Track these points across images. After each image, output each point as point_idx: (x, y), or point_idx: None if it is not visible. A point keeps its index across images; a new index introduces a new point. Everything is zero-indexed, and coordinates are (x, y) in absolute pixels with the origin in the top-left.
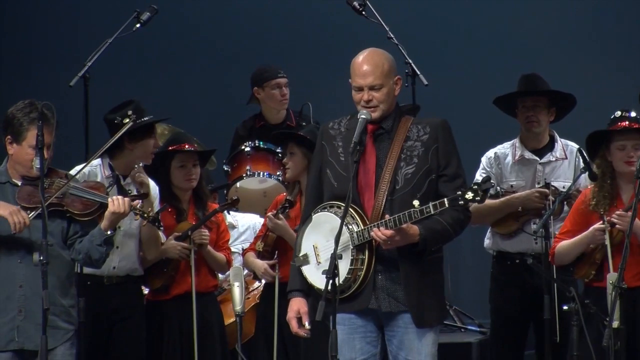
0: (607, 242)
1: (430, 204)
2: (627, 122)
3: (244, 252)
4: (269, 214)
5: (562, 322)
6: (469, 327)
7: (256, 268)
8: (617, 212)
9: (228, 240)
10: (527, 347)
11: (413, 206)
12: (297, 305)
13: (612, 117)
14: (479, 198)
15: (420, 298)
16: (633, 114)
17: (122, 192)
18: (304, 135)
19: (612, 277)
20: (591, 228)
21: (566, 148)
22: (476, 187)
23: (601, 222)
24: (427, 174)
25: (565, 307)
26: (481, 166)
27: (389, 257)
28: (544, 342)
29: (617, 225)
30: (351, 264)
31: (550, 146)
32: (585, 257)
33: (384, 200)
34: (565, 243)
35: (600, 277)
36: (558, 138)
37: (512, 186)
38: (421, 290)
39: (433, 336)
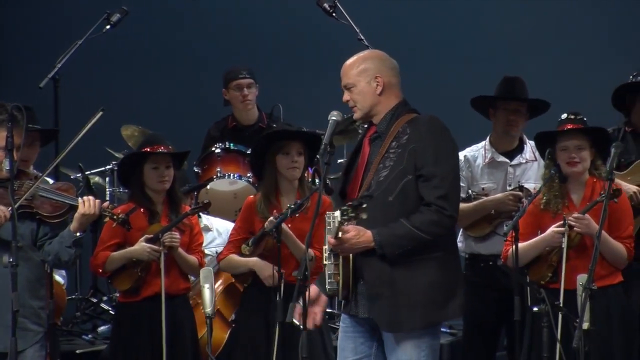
0: (565, 245)
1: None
2: (570, 124)
3: (222, 256)
4: (272, 217)
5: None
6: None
7: (260, 270)
8: (575, 215)
9: (201, 243)
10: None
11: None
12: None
13: (559, 119)
14: (346, 217)
15: (391, 303)
16: (579, 116)
17: (91, 192)
18: (311, 134)
19: (582, 278)
20: (550, 230)
21: (535, 150)
22: (350, 207)
23: (558, 224)
24: (402, 175)
25: (535, 309)
26: None
27: (368, 263)
28: (515, 343)
29: (575, 228)
30: (329, 269)
31: (519, 148)
32: (541, 259)
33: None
34: (521, 245)
35: (555, 279)
36: (527, 140)
37: (483, 189)
38: (395, 294)
39: (415, 341)
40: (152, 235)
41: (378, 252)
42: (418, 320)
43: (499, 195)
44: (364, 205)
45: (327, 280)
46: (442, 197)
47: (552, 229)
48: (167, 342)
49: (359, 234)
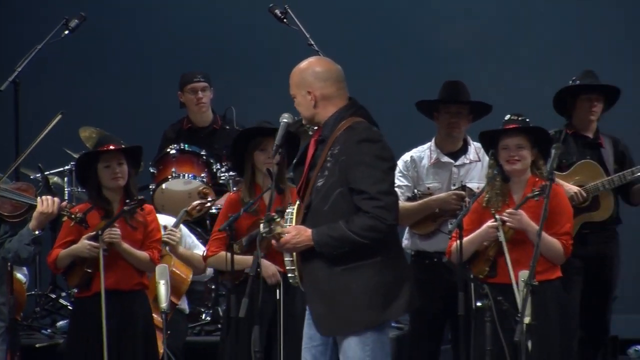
0: (502, 239)
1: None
2: (513, 125)
3: (210, 252)
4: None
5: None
6: None
7: (263, 268)
8: (508, 210)
9: (158, 239)
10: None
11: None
12: None
13: (503, 120)
14: (267, 229)
15: (324, 305)
16: (522, 117)
17: (50, 192)
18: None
19: (523, 274)
20: (484, 225)
21: (479, 151)
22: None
23: (493, 219)
24: (335, 187)
25: (479, 304)
26: (397, 170)
27: (305, 266)
28: (460, 337)
29: (507, 223)
30: (286, 265)
31: (464, 149)
32: (480, 254)
33: (302, 212)
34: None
35: (493, 274)
36: (471, 141)
37: (428, 188)
38: (330, 298)
39: (359, 338)
40: (93, 233)
41: (317, 250)
42: (357, 322)
43: (442, 194)
44: (277, 219)
45: (289, 275)
46: (379, 207)
47: (487, 224)
48: (111, 337)
49: (299, 233)
